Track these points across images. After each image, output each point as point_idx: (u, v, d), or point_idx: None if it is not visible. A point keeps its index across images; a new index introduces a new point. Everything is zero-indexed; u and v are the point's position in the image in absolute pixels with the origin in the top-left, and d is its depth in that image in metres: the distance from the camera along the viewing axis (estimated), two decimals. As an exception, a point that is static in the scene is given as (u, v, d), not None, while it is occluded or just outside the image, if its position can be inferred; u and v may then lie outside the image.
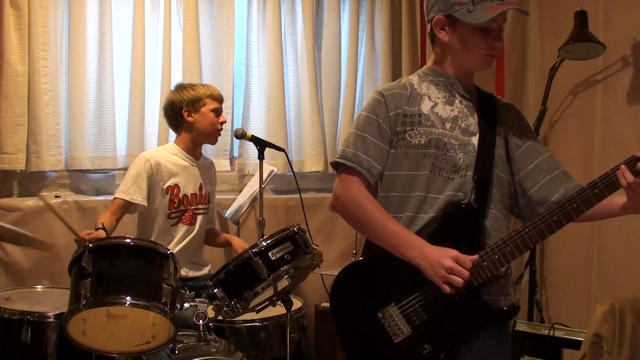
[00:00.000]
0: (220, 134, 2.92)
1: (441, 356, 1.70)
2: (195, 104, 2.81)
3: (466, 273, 1.61)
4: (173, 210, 2.78)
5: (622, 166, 1.56)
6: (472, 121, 1.78)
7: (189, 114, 2.82)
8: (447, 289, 1.63)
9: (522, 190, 1.81)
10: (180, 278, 2.43)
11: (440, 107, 1.78)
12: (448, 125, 1.76)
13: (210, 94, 2.85)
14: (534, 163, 1.80)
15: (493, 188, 1.75)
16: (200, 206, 2.87)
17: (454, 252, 1.63)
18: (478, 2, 1.68)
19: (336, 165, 1.81)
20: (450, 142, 1.74)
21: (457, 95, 1.80)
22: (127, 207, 2.72)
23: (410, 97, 1.78)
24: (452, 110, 1.78)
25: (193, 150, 2.88)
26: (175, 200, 2.79)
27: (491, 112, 1.82)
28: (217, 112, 2.86)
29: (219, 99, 2.89)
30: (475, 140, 1.76)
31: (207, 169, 2.96)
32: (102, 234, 2.43)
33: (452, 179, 1.73)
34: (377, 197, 1.81)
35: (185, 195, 2.81)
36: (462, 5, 1.69)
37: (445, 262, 1.61)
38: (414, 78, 1.85)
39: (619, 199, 1.66)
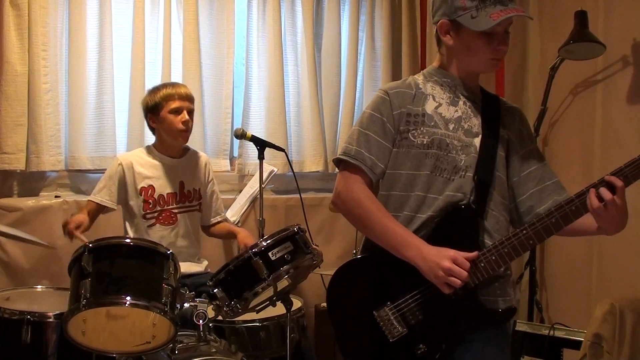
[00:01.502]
0: (184, 134, 2.78)
1: (436, 356, 1.70)
2: (154, 110, 2.78)
3: (464, 274, 1.61)
4: (148, 211, 2.77)
5: (591, 190, 1.55)
6: (476, 122, 1.78)
7: (153, 120, 2.81)
8: (445, 289, 1.63)
9: (512, 195, 1.81)
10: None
11: (444, 108, 1.78)
12: (451, 126, 1.76)
13: (167, 94, 2.75)
14: (528, 171, 1.80)
15: (493, 189, 1.75)
16: (181, 205, 2.84)
17: (452, 253, 1.63)
18: (481, 7, 1.67)
19: (338, 162, 1.81)
20: (453, 143, 1.74)
21: (462, 97, 1.80)
22: (99, 209, 2.75)
23: (415, 97, 1.78)
24: (456, 111, 1.78)
25: (169, 150, 2.85)
26: (150, 200, 2.77)
27: (495, 113, 1.82)
28: (178, 111, 2.74)
29: (180, 97, 2.76)
30: (477, 141, 1.76)
31: (194, 165, 2.92)
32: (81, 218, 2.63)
33: (452, 180, 1.73)
34: (377, 195, 1.81)
35: (161, 196, 2.79)
36: (465, 11, 1.69)
37: (443, 263, 1.61)
38: (419, 78, 1.85)
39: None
